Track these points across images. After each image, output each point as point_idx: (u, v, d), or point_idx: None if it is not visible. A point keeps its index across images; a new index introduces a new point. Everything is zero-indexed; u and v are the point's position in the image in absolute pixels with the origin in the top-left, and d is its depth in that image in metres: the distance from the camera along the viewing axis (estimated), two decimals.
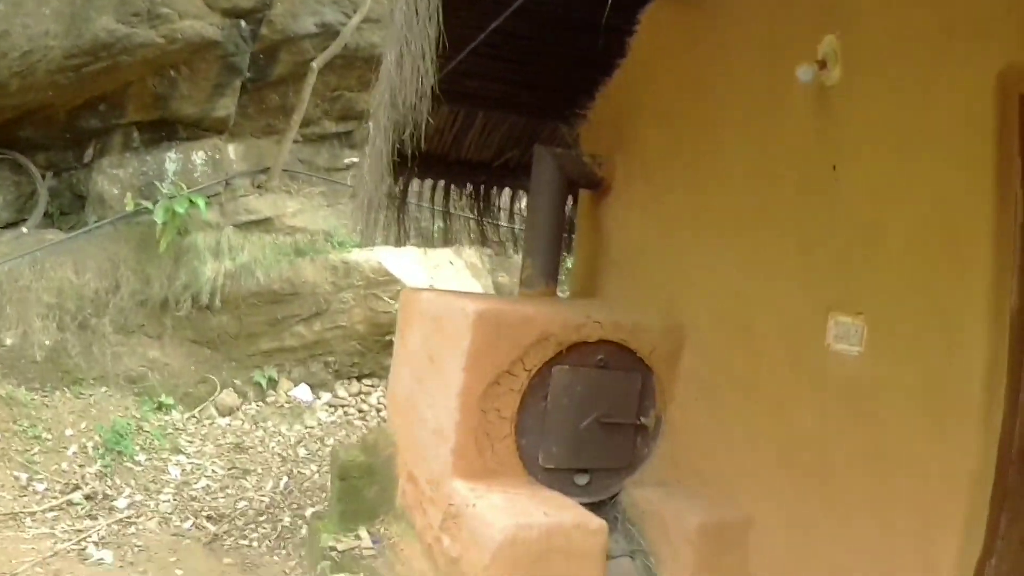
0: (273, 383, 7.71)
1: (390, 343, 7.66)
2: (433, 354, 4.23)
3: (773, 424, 3.77)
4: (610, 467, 4.24)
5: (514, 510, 3.56)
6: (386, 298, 7.70)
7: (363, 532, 4.61)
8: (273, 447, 6.88)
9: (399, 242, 6.40)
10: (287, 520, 5.44)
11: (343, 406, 7.76)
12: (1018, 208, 2.87)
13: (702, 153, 4.35)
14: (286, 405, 7.66)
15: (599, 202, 5.16)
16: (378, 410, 7.75)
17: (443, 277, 8.10)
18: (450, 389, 3.94)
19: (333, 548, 4.33)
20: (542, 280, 4.61)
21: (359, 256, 7.85)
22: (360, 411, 7.75)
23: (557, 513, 3.59)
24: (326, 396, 7.85)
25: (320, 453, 6.87)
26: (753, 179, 4.01)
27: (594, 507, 3.97)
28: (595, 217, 5.17)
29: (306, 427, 7.38)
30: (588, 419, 4.09)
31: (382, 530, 4.64)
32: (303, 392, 7.79)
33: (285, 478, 6.24)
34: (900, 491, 3.24)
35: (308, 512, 5.52)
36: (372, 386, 8.05)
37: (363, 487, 4.75)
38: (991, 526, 2.92)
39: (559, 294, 5.03)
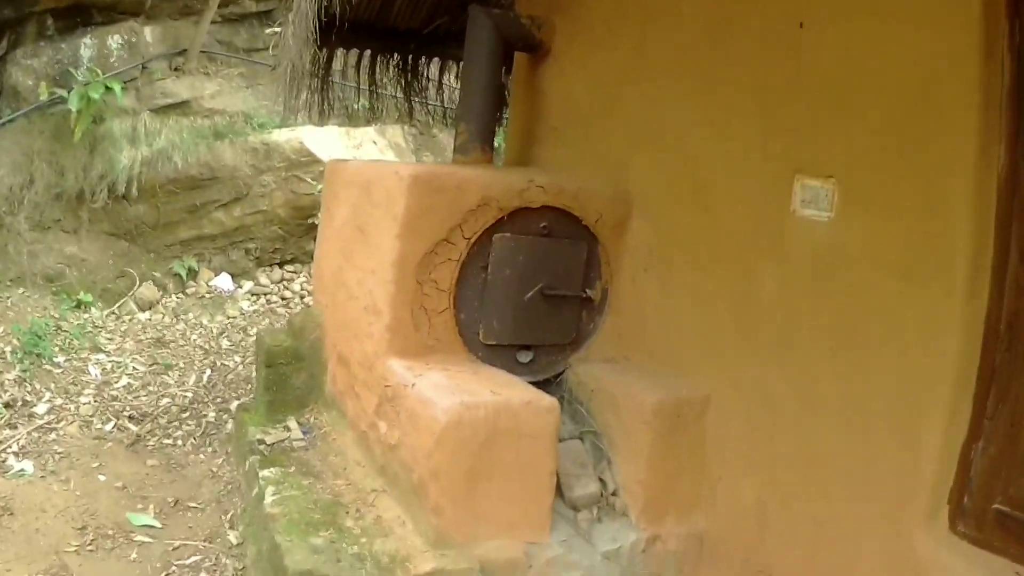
0: (193, 273, 7.22)
1: (313, 227, 7.21)
2: (363, 224, 3.79)
3: (731, 297, 3.49)
4: (554, 343, 3.92)
5: (458, 388, 3.21)
6: (308, 179, 7.18)
7: (292, 423, 4.24)
8: (195, 340, 6.41)
9: (322, 118, 5.88)
10: (212, 415, 5.03)
11: (266, 294, 7.29)
12: (1005, 72, 2.62)
13: (651, 9, 3.91)
14: (207, 296, 7.18)
15: (537, 67, 4.70)
16: (301, 297, 7.31)
17: (366, 156, 7.58)
18: (383, 260, 3.54)
19: (261, 441, 3.96)
20: (477, 146, 4.17)
21: (280, 137, 7.29)
22: (283, 299, 7.30)
23: (505, 391, 3.25)
24: (248, 285, 7.37)
25: (243, 344, 6.42)
26: (709, 36, 3.64)
27: (538, 386, 3.64)
28: (532, 83, 4.70)
29: (228, 318, 6.91)
30: (531, 291, 3.72)
31: (312, 419, 4.28)
32: (224, 281, 7.29)
33: (208, 371, 5.79)
34: (875, 369, 3.00)
35: (233, 406, 5.11)
36: (295, 272, 7.58)
37: (290, 374, 4.36)
38: (977, 407, 2.72)
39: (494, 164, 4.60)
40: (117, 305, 6.67)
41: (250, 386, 5.53)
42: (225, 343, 6.44)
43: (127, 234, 7.00)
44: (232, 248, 7.39)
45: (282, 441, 4.08)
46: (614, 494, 3.51)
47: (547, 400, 3.23)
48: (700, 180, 3.63)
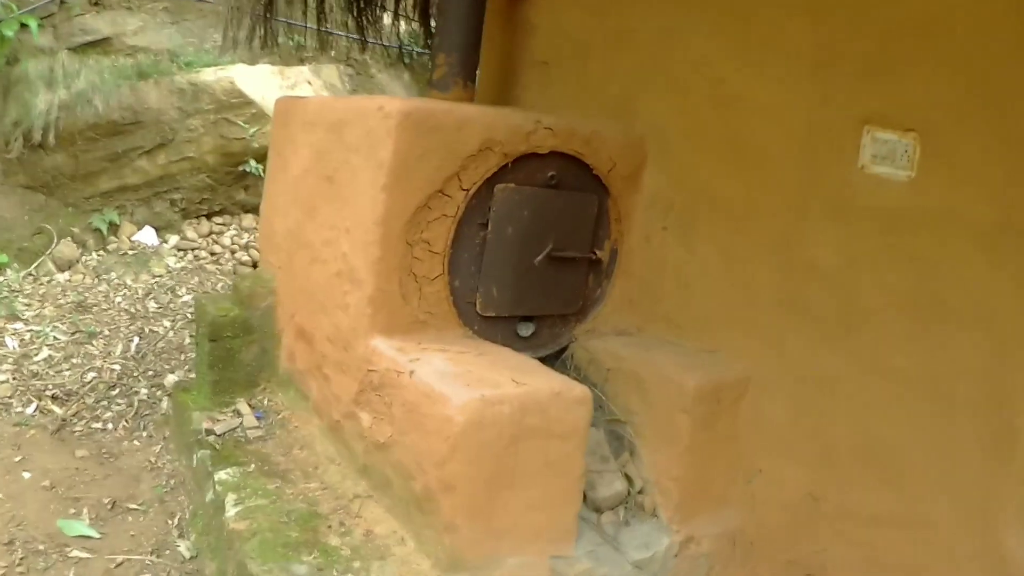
0: (115, 228, 6.35)
1: (244, 174, 6.47)
2: (333, 174, 3.07)
3: (774, 262, 2.94)
4: (558, 313, 3.27)
5: (470, 377, 2.57)
6: (240, 123, 6.31)
7: (243, 406, 3.54)
8: (119, 303, 5.56)
9: (265, 53, 5.06)
10: (144, 392, 4.27)
11: (193, 249, 6.44)
12: None
13: None
14: (130, 252, 6.30)
15: None
16: (232, 252, 6.49)
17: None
18: (364, 217, 2.83)
19: (210, 432, 3.25)
20: (459, 81, 3.46)
21: (209, 77, 6.41)
22: (212, 254, 6.47)
23: (526, 378, 2.60)
24: (173, 239, 6.50)
25: (172, 307, 5.59)
26: None
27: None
28: (515, 9, 3.99)
29: (154, 276, 6.05)
30: (539, 253, 3.07)
31: (266, 401, 3.59)
32: (148, 235, 6.43)
33: (136, 339, 4.98)
34: (959, 349, 2.49)
35: (168, 380, 4.34)
36: (224, 225, 6.74)
37: (239, 348, 3.64)
38: None
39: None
40: (35, 265, 5.74)
41: (184, 356, 4.77)
42: (152, 305, 5.60)
43: (44, 186, 6.10)
44: (156, 199, 6.50)
45: (234, 430, 3.36)
46: (641, 492, 2.94)
47: (577, 390, 2.61)
48: (733, 126, 3.03)
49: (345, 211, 2.99)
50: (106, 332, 5.01)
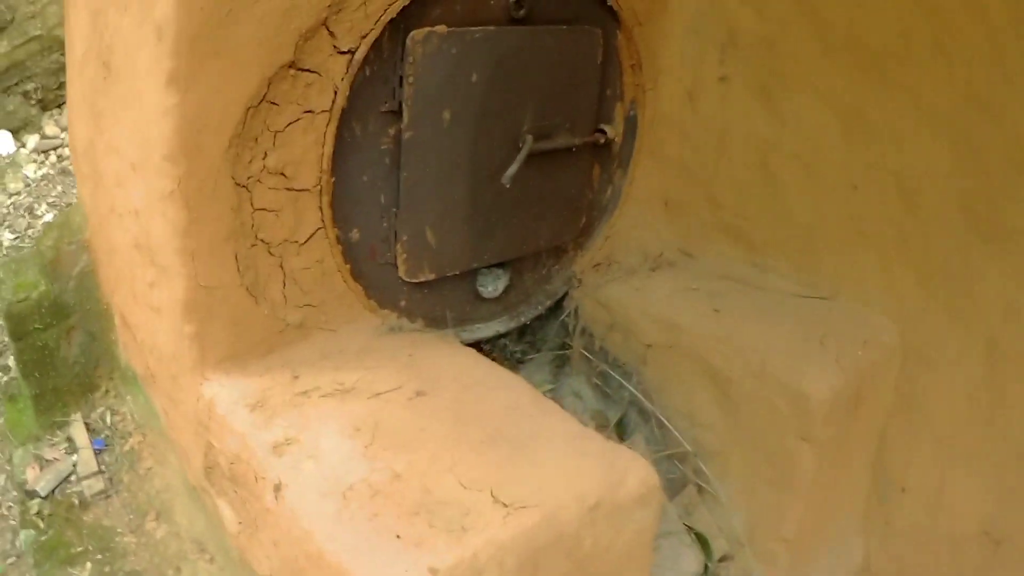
0: None
1: None
2: (109, 55, 1.45)
3: (952, 133, 1.40)
4: (543, 247, 1.77)
5: (403, 495, 1.11)
6: None
7: (77, 428, 2.22)
8: None
9: None
10: None
11: (56, 148, 4.62)
12: None
13: None
14: None
15: None
16: None
17: None
18: (150, 143, 1.27)
19: (32, 493, 2.04)
20: None
21: None
22: None
23: (527, 470, 1.15)
24: (32, 140, 4.66)
25: (32, 234, 3.86)
26: None
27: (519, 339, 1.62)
28: None
29: (10, 196, 4.26)
30: (505, 151, 1.53)
31: (107, 415, 2.22)
32: (3, 142, 4.61)
33: None
34: None
35: (11, 360, 2.76)
36: None
37: (56, 343, 2.21)
38: None
39: None
40: None
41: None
42: (8, 237, 3.87)
43: None
44: (7, 95, 4.69)
45: (67, 479, 2.07)
46: (724, 559, 1.57)
47: (632, 480, 1.15)
48: None
49: (127, 128, 1.38)
50: None
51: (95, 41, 1.58)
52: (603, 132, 1.72)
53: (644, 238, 1.86)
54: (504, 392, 1.35)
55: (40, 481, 2.10)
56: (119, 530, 1.91)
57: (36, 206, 4.11)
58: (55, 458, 2.20)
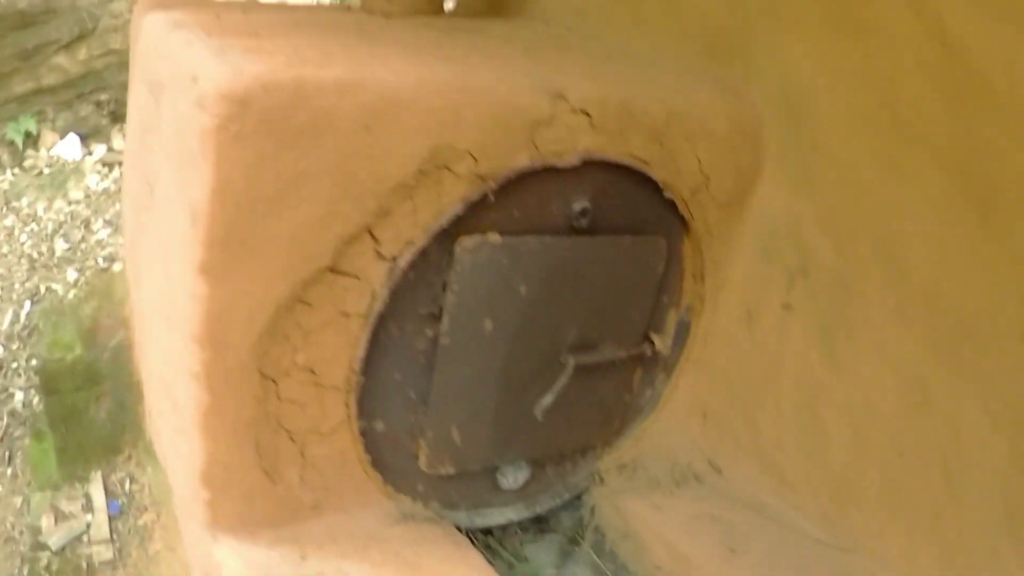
0: (33, 139, 4.62)
1: None
2: (152, 178, 1.38)
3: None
4: (572, 448, 1.64)
5: None
6: None
7: (96, 487, 2.20)
8: (24, 242, 3.82)
9: None
10: (20, 397, 2.65)
11: (120, 162, 4.69)
12: None
13: None
14: (46, 169, 4.55)
15: None
16: None
17: None
18: (179, 316, 1.19)
19: (44, 545, 2.01)
20: None
21: None
22: None
23: None
24: (99, 150, 4.77)
25: (84, 247, 3.88)
26: None
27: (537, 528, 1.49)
28: None
29: (70, 203, 4.33)
30: (545, 359, 1.42)
31: (128, 482, 2.30)
32: (71, 146, 4.74)
33: (28, 303, 3.28)
34: None
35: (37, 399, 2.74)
36: None
37: (87, 405, 2.26)
38: None
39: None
40: None
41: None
42: (60, 247, 3.89)
43: None
44: (80, 102, 4.86)
45: (79, 538, 2.06)
46: None
47: None
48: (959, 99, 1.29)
49: (166, 265, 1.31)
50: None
51: (141, 146, 1.51)
52: (652, 344, 1.59)
53: (675, 445, 1.72)
54: None
55: (53, 535, 2.12)
56: None
57: (93, 220, 4.12)
58: (71, 512, 2.18)
